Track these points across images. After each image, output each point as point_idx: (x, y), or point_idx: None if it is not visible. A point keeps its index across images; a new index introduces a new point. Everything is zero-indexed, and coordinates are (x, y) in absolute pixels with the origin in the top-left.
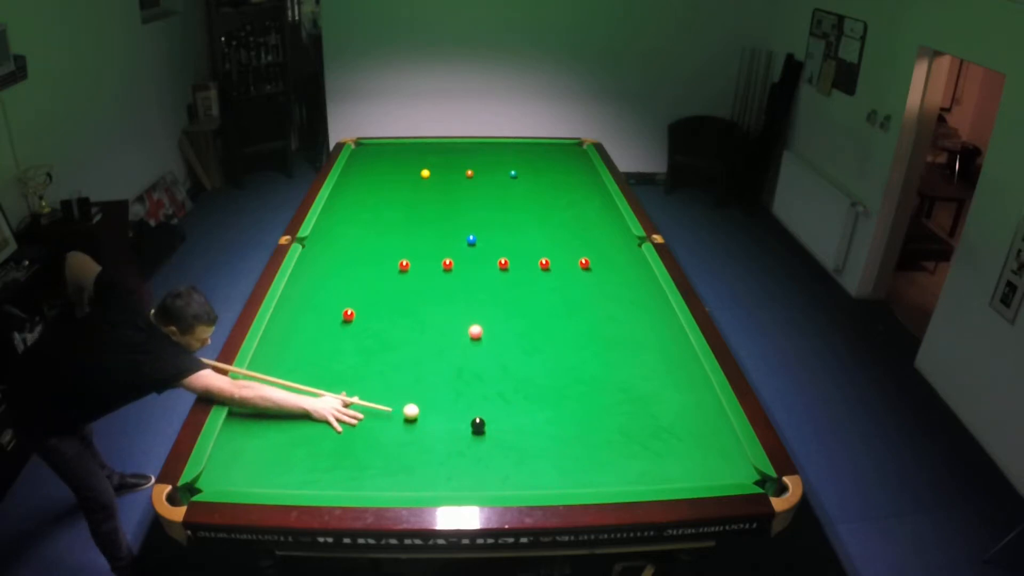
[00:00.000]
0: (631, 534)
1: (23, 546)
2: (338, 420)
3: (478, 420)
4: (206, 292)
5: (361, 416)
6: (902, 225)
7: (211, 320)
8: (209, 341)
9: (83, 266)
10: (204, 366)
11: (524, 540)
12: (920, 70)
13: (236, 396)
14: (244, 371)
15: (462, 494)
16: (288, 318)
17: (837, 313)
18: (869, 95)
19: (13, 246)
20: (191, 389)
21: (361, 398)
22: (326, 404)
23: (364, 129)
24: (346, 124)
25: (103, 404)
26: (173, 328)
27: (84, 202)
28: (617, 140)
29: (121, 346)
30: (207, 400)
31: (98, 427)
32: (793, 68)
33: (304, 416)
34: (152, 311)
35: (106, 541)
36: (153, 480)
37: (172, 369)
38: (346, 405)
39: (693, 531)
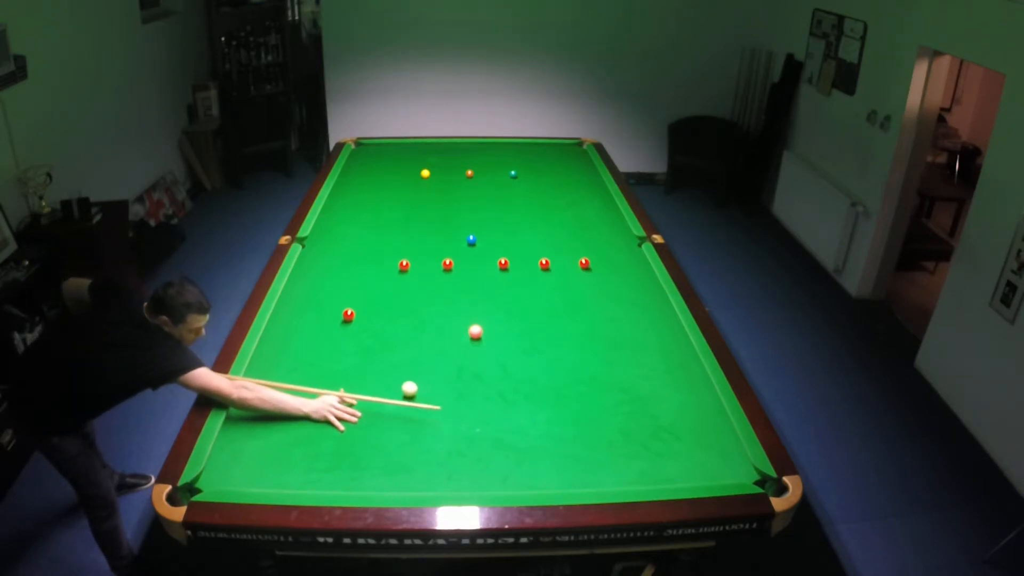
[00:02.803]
0: (631, 534)
1: (23, 546)
2: (339, 418)
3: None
4: (206, 292)
5: (359, 414)
6: (902, 225)
7: (203, 309)
8: (203, 332)
9: (77, 286)
10: (202, 364)
11: (524, 540)
12: (920, 70)
13: (234, 397)
14: (241, 378)
15: (462, 494)
16: (288, 318)
17: (837, 313)
18: (869, 95)
19: (13, 246)
20: (188, 386)
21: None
22: (324, 404)
23: (364, 129)
24: (346, 124)
25: (102, 401)
26: (165, 319)
27: (84, 202)
28: (617, 140)
29: (119, 343)
30: (206, 399)
31: (98, 426)
32: (793, 68)
33: (304, 418)
34: (145, 304)
35: (107, 540)
36: (153, 480)
37: (168, 365)
38: (343, 401)
39: (693, 531)
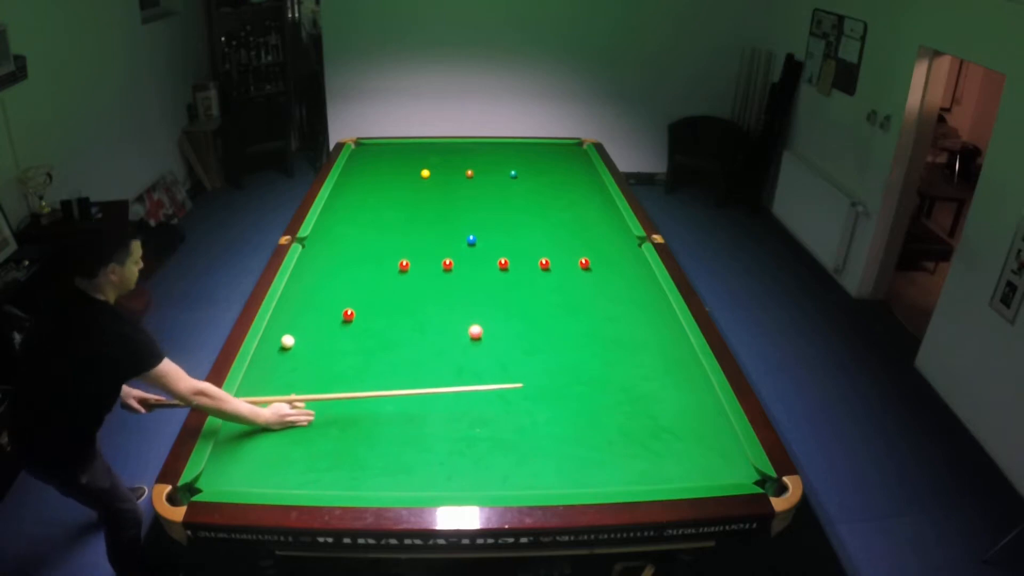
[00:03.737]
0: (631, 534)
1: (24, 546)
2: (294, 422)
3: None
4: (206, 292)
5: (312, 413)
6: (902, 225)
7: (134, 233)
8: (142, 263)
9: None
10: (164, 357)
11: (524, 540)
12: (920, 70)
13: (192, 403)
14: (203, 382)
15: (462, 494)
16: (288, 318)
17: (837, 313)
18: (869, 95)
19: (13, 246)
20: (149, 381)
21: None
22: (277, 412)
23: (364, 129)
24: (346, 124)
25: (87, 410)
26: (112, 267)
27: (84, 202)
28: (617, 140)
29: (79, 343)
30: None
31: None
32: (793, 68)
33: (263, 427)
34: (81, 285)
35: (130, 553)
36: (147, 491)
37: (137, 360)
38: (293, 405)
39: (693, 531)
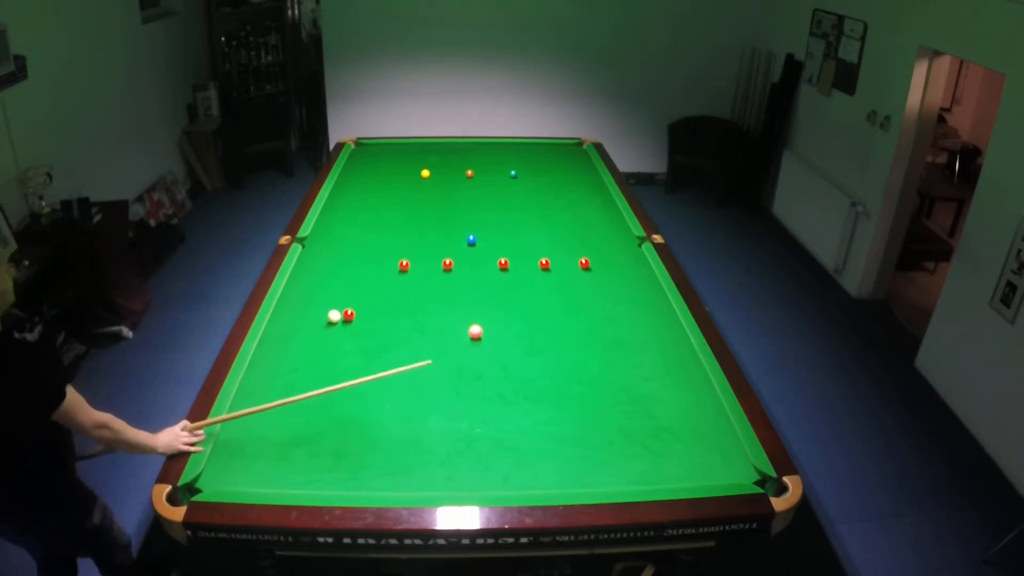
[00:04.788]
0: (631, 534)
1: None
2: (187, 444)
3: None
4: (206, 292)
5: (203, 436)
6: (902, 225)
7: None
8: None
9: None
10: (66, 388)
11: (524, 540)
12: (920, 70)
13: (93, 435)
14: (106, 414)
15: (462, 494)
16: (288, 318)
17: (837, 313)
18: (869, 95)
19: (13, 246)
20: (56, 416)
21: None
22: (172, 436)
23: (364, 129)
24: (346, 124)
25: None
26: None
27: (84, 202)
28: (617, 140)
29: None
30: (206, 397)
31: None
32: (793, 68)
33: (155, 452)
34: None
35: (129, 562)
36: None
37: (53, 389)
38: (186, 429)
39: (693, 531)
